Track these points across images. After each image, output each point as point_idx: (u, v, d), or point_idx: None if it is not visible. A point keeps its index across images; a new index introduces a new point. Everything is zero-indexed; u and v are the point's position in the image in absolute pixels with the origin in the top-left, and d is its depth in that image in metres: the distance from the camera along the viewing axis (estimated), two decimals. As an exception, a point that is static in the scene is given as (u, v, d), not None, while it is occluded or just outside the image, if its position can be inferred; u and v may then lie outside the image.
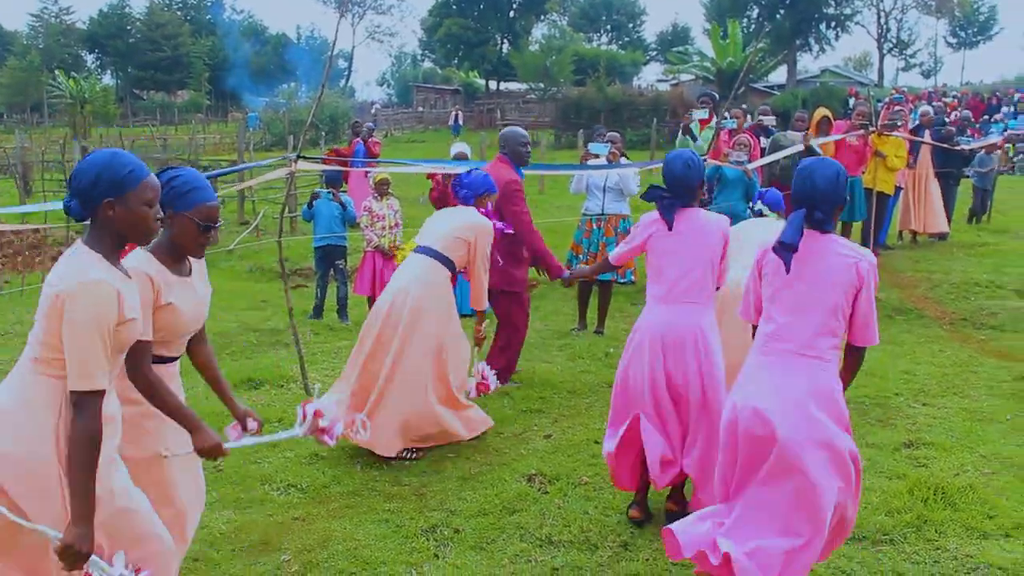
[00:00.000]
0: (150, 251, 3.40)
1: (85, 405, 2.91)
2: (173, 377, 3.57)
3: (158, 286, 3.36)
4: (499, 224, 6.58)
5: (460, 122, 45.47)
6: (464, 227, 6.16)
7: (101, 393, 2.93)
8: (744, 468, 3.84)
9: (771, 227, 6.37)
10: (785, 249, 3.72)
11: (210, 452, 3.50)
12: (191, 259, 3.56)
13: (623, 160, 9.73)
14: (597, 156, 9.37)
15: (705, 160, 9.34)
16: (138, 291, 3.14)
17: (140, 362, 3.30)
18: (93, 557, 2.95)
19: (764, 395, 3.75)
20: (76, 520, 2.91)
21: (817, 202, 3.78)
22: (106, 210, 2.98)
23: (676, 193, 4.79)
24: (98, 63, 73.49)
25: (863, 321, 3.78)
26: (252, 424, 3.82)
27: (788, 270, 3.75)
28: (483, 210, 6.37)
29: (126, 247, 3.18)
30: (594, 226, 9.20)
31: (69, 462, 2.91)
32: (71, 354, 2.89)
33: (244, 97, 56.45)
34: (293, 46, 77.72)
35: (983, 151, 15.27)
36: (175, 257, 3.47)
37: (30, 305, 11.30)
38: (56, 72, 54.39)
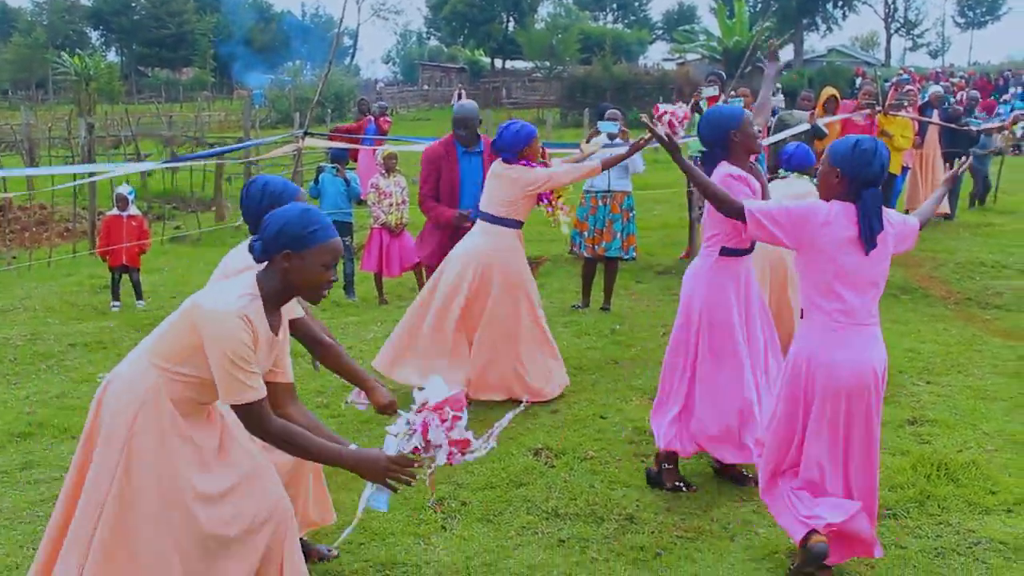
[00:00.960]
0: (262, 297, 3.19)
1: (248, 415, 3.12)
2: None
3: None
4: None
5: (463, 100, 44.64)
6: (515, 187, 6.38)
7: (258, 402, 3.11)
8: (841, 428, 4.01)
9: (798, 187, 6.58)
10: (876, 235, 3.85)
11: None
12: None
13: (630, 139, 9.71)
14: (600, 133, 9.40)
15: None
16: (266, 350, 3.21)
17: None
18: (388, 438, 3.28)
19: (865, 354, 3.92)
20: (351, 466, 3.29)
21: (881, 182, 3.91)
22: (283, 261, 3.11)
23: (706, 147, 5.03)
24: (103, 40, 73.32)
25: None
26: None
27: (868, 252, 3.87)
28: (523, 163, 6.43)
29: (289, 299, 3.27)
30: (599, 203, 9.21)
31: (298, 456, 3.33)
32: (217, 372, 3.05)
33: (247, 75, 56.18)
34: (298, 24, 77.45)
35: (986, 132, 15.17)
36: (277, 309, 3.28)
37: (38, 280, 11.38)
38: (62, 52, 54.31)
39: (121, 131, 22.50)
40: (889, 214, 3.99)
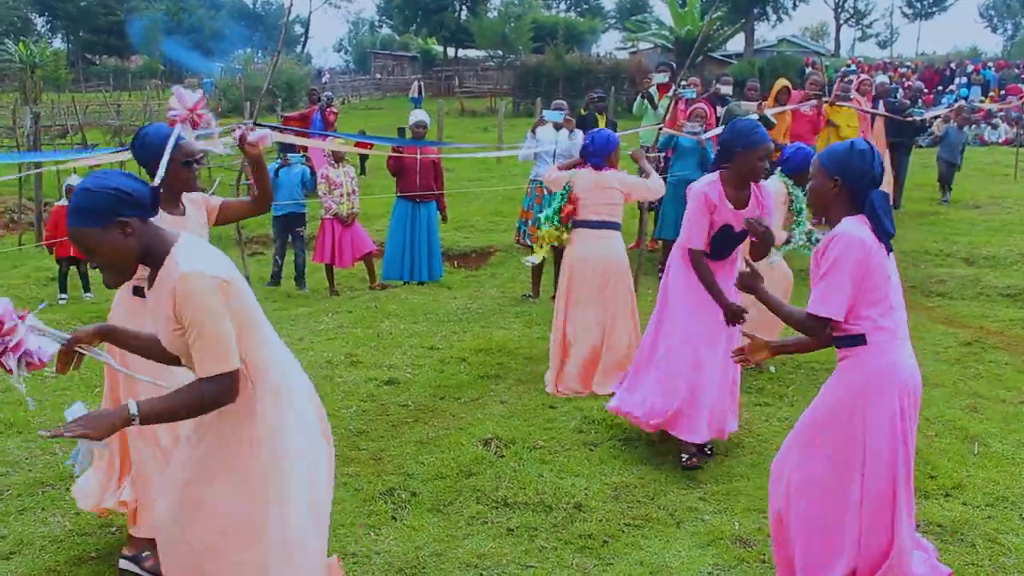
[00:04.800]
0: None
1: None
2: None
3: None
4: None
5: (421, 93, 42.13)
6: (615, 191, 6.75)
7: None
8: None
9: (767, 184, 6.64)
10: (890, 235, 3.63)
11: None
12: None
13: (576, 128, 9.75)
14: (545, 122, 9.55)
15: (661, 129, 9.43)
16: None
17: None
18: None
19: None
20: None
21: (881, 181, 3.68)
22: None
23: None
24: (48, 27, 72.06)
25: None
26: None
27: (888, 253, 3.67)
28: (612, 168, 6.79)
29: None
30: (545, 192, 9.25)
31: None
32: None
33: (196, 64, 55.42)
34: (249, 11, 76.63)
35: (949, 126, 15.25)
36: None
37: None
38: (6, 39, 53.29)
39: (68, 120, 22.18)
40: None
